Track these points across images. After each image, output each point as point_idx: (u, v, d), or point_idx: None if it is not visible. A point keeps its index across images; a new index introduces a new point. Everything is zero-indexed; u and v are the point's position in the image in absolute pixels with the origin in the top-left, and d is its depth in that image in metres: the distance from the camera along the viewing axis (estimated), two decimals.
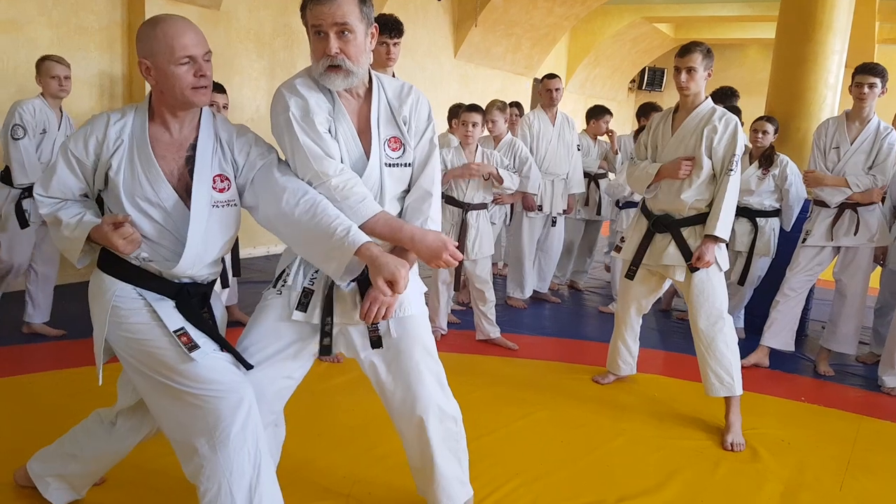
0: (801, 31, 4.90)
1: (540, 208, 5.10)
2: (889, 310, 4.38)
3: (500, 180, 4.12)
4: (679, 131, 3.19)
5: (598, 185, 5.68)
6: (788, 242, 4.42)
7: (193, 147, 1.94)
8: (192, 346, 1.87)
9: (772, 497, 2.66)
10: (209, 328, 1.97)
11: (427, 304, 2.35)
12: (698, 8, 11.25)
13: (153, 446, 2.31)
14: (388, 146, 2.00)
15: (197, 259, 1.93)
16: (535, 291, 5.44)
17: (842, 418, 3.48)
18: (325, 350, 2.00)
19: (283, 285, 2.03)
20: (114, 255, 1.91)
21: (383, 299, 1.88)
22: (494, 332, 4.31)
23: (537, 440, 3.01)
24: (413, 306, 2.08)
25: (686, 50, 3.09)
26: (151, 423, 2.14)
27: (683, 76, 3.09)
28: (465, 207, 4.14)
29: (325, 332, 1.99)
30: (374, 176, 1.98)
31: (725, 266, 3.21)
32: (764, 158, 4.49)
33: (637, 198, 4.62)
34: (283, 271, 2.05)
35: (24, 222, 3.77)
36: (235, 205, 1.97)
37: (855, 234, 3.98)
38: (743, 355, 3.49)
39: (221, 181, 1.94)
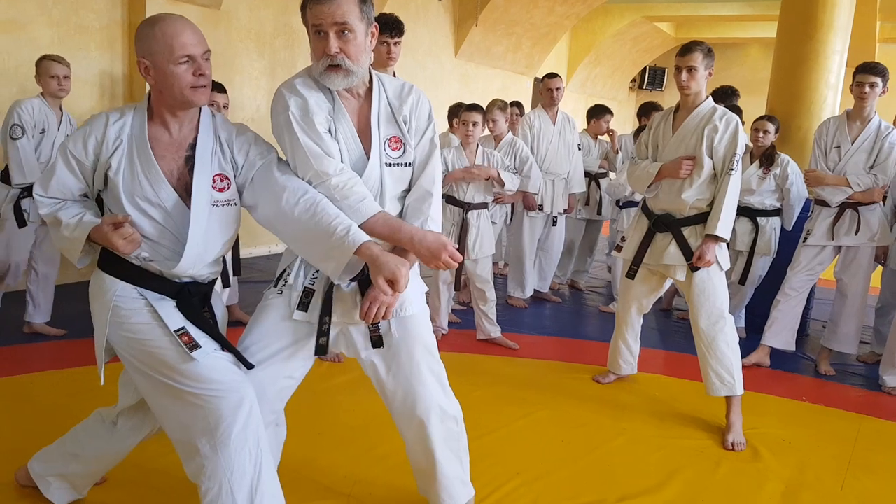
0: (801, 30, 4.90)
1: (541, 208, 5.10)
2: (890, 309, 4.38)
3: (502, 184, 4.13)
4: (680, 131, 3.19)
5: (598, 185, 5.68)
6: (789, 242, 4.42)
7: (193, 146, 1.93)
8: (194, 346, 1.87)
9: (773, 496, 2.66)
10: (210, 328, 1.97)
11: (428, 303, 2.35)
12: (699, 7, 11.25)
13: (154, 445, 2.32)
14: (389, 146, 2.00)
15: (197, 258, 1.93)
16: (535, 291, 5.44)
17: (843, 418, 3.48)
18: (321, 349, 2.00)
19: (284, 285, 2.03)
20: (114, 255, 1.90)
21: (384, 299, 1.88)
22: (495, 332, 4.31)
23: (538, 440, 3.01)
24: (414, 306, 2.08)
25: (687, 49, 3.08)
26: (153, 423, 2.14)
27: (684, 75, 3.09)
28: (466, 207, 4.14)
29: (322, 331, 1.98)
30: (375, 175, 1.97)
31: (726, 265, 3.21)
32: (765, 158, 4.49)
33: (638, 197, 4.62)
34: (284, 271, 2.05)
35: (22, 222, 3.77)
36: (235, 204, 1.97)
37: (856, 233, 3.98)
38: (744, 355, 3.48)
39: (221, 180, 1.94)
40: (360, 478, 2.58)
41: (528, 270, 5.26)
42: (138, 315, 1.90)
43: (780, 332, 4.16)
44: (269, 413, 2.03)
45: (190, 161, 1.92)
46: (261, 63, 6.50)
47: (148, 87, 1.94)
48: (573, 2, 9.65)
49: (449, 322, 4.46)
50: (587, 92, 12.80)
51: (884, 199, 4.11)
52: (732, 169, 3.08)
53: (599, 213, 5.73)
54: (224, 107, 3.76)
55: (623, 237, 3.51)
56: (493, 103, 4.71)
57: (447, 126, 5.44)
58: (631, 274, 3.40)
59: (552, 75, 5.28)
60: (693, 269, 3.15)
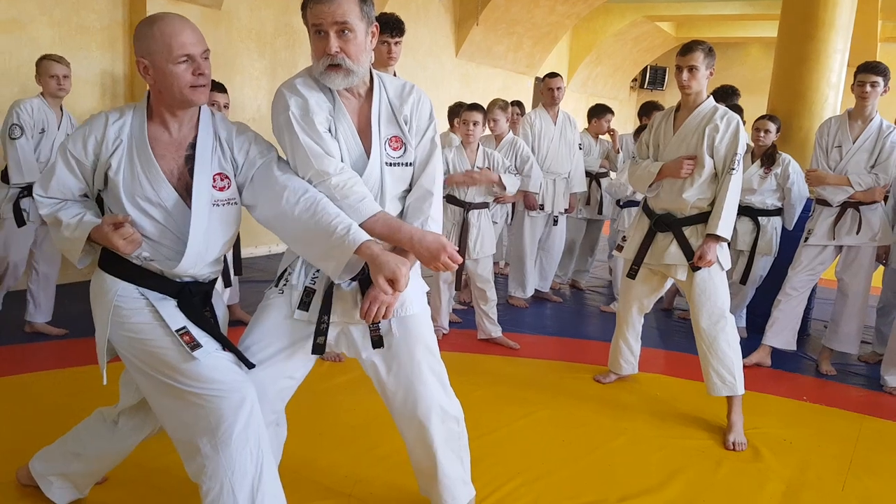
0: (802, 29, 4.89)
1: (541, 207, 5.09)
2: (891, 309, 4.38)
3: (503, 187, 4.13)
4: (681, 130, 3.18)
5: (599, 185, 5.67)
6: (790, 241, 4.41)
7: (193, 146, 1.93)
8: (195, 346, 1.87)
9: (774, 496, 2.66)
10: (211, 327, 1.97)
11: (429, 303, 2.35)
12: (700, 6, 11.25)
13: (155, 445, 2.31)
14: (389, 145, 2.00)
15: (198, 258, 1.93)
16: (536, 291, 5.44)
17: (844, 418, 3.48)
18: (318, 349, 1.99)
19: (284, 284, 2.03)
20: (115, 255, 1.90)
21: (384, 298, 1.88)
22: (496, 332, 4.30)
23: (539, 439, 3.01)
24: (415, 305, 2.07)
25: (688, 48, 3.08)
26: (154, 422, 2.14)
27: (685, 75, 3.08)
28: (467, 207, 4.14)
29: (321, 330, 1.98)
30: (375, 175, 1.97)
31: (727, 265, 3.21)
32: (766, 157, 4.48)
33: (638, 197, 4.62)
34: (285, 270, 2.05)
35: (21, 221, 3.77)
36: (236, 203, 1.97)
37: (857, 233, 3.97)
38: (745, 354, 3.48)
39: (221, 180, 1.94)
40: (361, 477, 2.58)
41: (528, 270, 5.25)
42: (139, 315, 1.90)
43: (781, 332, 4.16)
44: (270, 413, 2.03)
45: (190, 160, 1.92)
46: (261, 63, 6.50)
47: (148, 87, 1.94)
48: (574, 1, 9.65)
49: (450, 322, 4.46)
50: (588, 91, 12.80)
51: (885, 199, 4.11)
52: (733, 168, 3.07)
53: (600, 212, 5.73)
54: (224, 107, 3.75)
55: (624, 237, 3.51)
56: (494, 103, 4.71)
57: (448, 126, 5.44)
58: (632, 274, 3.40)
59: (553, 75, 5.28)
60: (694, 268, 3.15)
